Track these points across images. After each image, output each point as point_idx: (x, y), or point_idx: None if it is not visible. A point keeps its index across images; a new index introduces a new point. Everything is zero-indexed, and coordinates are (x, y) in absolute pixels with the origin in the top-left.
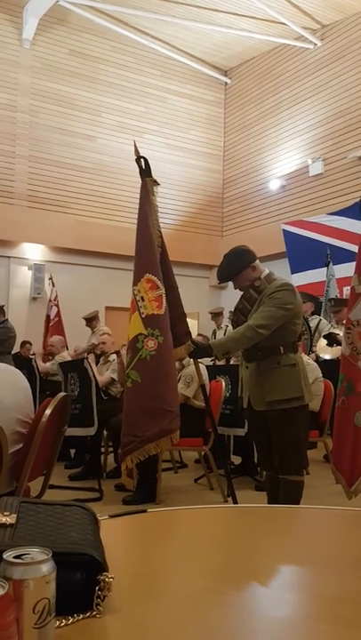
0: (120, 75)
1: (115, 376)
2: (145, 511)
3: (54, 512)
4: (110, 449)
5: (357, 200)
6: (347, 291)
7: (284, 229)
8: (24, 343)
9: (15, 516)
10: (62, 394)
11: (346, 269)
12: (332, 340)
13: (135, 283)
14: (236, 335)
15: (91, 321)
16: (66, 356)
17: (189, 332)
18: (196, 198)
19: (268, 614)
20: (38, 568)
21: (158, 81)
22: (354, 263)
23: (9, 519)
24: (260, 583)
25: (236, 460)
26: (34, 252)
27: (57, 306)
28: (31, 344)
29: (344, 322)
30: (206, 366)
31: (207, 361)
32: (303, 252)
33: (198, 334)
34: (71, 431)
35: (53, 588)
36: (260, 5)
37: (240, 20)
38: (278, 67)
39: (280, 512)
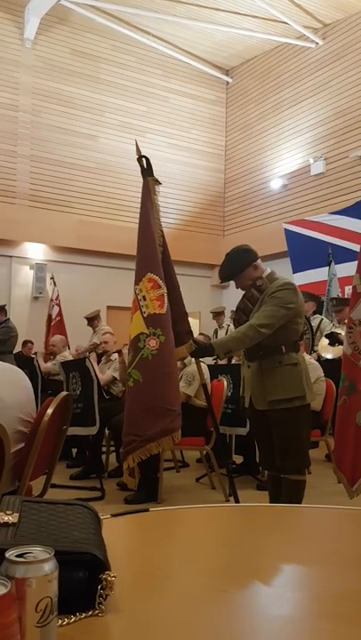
0: (122, 74)
1: (116, 375)
2: (147, 510)
3: (56, 511)
4: (112, 448)
5: (359, 199)
6: (348, 290)
7: (285, 228)
8: (26, 342)
9: (17, 515)
10: (64, 393)
11: (348, 269)
12: (333, 339)
13: (137, 282)
14: (238, 334)
15: (92, 320)
16: (67, 355)
17: (191, 332)
18: (198, 197)
19: (270, 612)
20: (40, 567)
21: (160, 80)
22: (356, 262)
23: (11, 518)
24: (262, 582)
25: (238, 459)
26: (36, 251)
27: (58, 305)
28: (33, 343)
29: (346, 321)
30: (208, 365)
31: (209, 360)
32: (305, 252)
33: (200, 333)
34: (73, 430)
35: (56, 587)
36: (262, 4)
37: (242, 20)
38: (280, 66)
39: (282, 511)
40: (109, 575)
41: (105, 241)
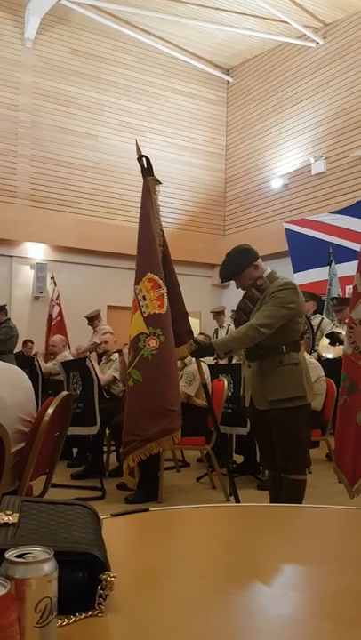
0: (122, 74)
1: (117, 375)
2: (147, 510)
3: (56, 511)
4: (112, 448)
5: (360, 199)
6: (349, 289)
7: (286, 228)
8: (26, 342)
9: (17, 515)
10: (64, 393)
11: (348, 268)
12: (334, 338)
13: (137, 282)
14: (239, 334)
15: (93, 320)
16: (68, 355)
17: (191, 331)
18: (199, 197)
19: (270, 613)
20: (40, 567)
21: (160, 80)
22: (356, 262)
23: (11, 518)
24: (262, 582)
25: (239, 458)
26: (36, 251)
27: (59, 305)
28: (33, 343)
29: (346, 321)
30: (208, 365)
31: (209, 360)
32: (305, 251)
33: (200, 333)
34: (73, 430)
35: (55, 587)
36: (263, 4)
37: (242, 19)
38: (280, 65)
39: (282, 511)
40: (109, 575)
41: (105, 241)
